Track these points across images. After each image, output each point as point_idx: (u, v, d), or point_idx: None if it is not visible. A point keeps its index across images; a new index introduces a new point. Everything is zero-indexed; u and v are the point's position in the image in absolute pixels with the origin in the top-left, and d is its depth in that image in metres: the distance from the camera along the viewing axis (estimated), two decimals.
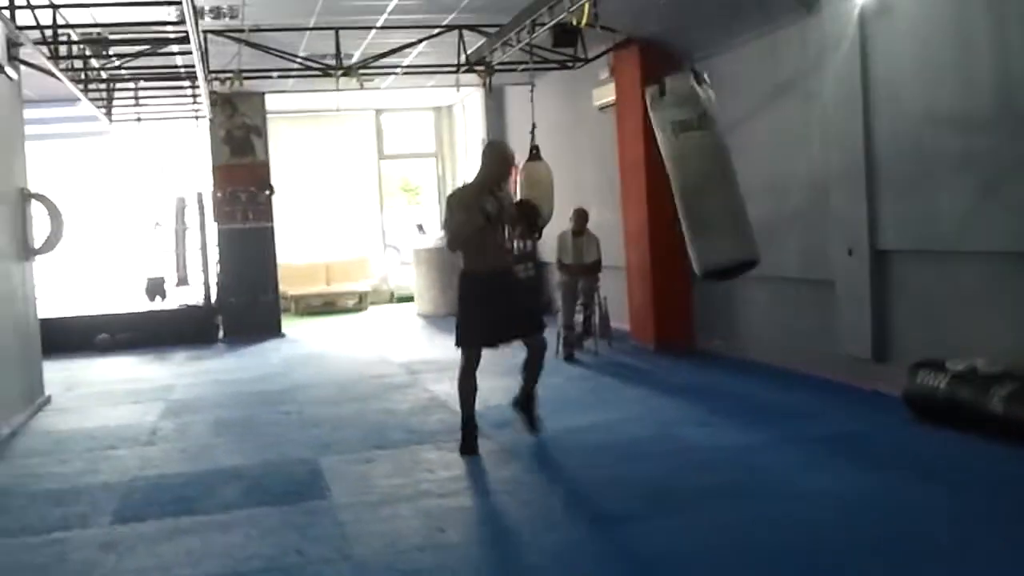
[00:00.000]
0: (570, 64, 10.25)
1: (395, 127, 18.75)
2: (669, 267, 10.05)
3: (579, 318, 10.29)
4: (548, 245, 11.23)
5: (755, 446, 6.19)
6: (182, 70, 10.47)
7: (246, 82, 10.27)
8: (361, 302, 17.20)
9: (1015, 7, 5.90)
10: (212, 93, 12.03)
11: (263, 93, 13.17)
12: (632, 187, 10.28)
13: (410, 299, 17.45)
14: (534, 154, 9.25)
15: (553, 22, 7.80)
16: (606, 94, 11.07)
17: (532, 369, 6.59)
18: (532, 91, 8.64)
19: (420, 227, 16.88)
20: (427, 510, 5.34)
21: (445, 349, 11.48)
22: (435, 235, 17.08)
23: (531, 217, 6.99)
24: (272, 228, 13.74)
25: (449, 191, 18.24)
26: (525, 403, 6.73)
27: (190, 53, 9.03)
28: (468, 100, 17.28)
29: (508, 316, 6.39)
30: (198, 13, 7.10)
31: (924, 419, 6.29)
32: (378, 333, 13.85)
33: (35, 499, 5.88)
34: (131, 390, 9.74)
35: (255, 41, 9.44)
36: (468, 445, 6.41)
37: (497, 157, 6.39)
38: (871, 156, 7.19)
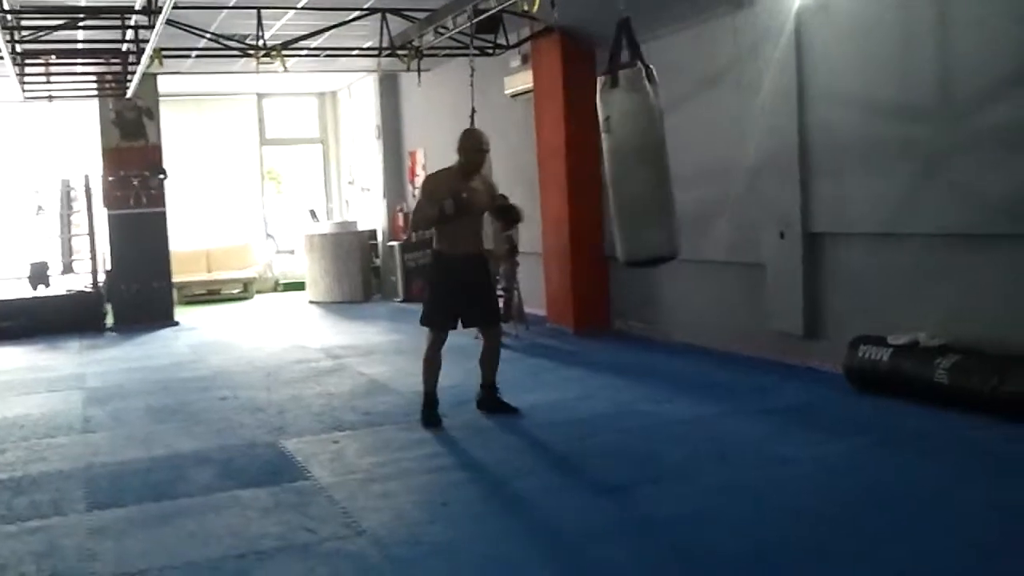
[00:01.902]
0: (490, 51, 10.33)
1: (278, 112, 18.40)
2: (588, 252, 10.29)
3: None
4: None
5: (713, 419, 6.45)
6: (84, 46, 10.07)
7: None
8: (246, 290, 16.84)
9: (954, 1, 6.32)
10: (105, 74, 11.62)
11: (155, 74, 12.73)
12: (551, 174, 10.44)
13: (297, 287, 17.22)
14: None
15: (499, 8, 7.86)
16: (519, 82, 11.20)
17: (492, 360, 6.84)
18: (472, 76, 8.66)
19: (312, 213, 16.64)
20: (419, 486, 5.38)
21: (359, 335, 11.51)
22: (328, 221, 16.91)
23: (509, 213, 7.16)
24: (164, 213, 13.31)
25: (337, 177, 18.28)
26: (490, 396, 6.89)
27: (105, 28, 8.74)
28: (356, 87, 17.13)
29: (472, 302, 6.61)
30: None
31: (865, 391, 6.68)
32: (276, 320, 13.63)
33: None
34: (39, 379, 9.34)
35: (172, 19, 9.13)
36: (432, 418, 6.60)
37: (474, 145, 6.54)
38: (804, 143, 7.55)
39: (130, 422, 7.30)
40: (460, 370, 8.73)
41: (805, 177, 7.58)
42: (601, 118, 5.55)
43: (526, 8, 7.37)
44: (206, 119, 17.68)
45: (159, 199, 13.19)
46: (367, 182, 16.87)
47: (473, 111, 8.74)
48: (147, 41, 7.83)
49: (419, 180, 15.20)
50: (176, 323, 13.31)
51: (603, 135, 5.57)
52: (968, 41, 6.27)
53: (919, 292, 6.79)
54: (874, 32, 6.91)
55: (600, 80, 5.56)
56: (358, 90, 17.10)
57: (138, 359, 10.42)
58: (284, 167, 19.17)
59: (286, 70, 10.17)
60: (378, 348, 10.36)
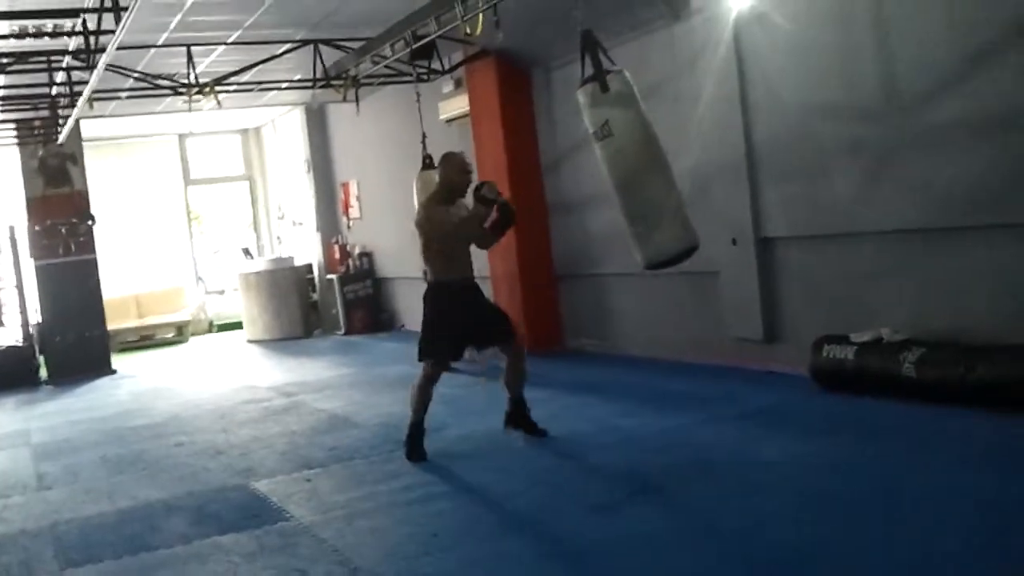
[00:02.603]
0: (425, 77, 10.29)
1: (201, 151, 18.10)
2: (536, 272, 10.28)
3: None
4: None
5: (688, 428, 6.45)
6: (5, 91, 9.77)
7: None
8: (181, 333, 16.47)
9: (894, 5, 6.46)
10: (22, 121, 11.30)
11: (78, 119, 12.41)
12: None
13: (233, 327, 16.91)
14: (427, 163, 9.22)
15: (439, 32, 7.83)
16: (454, 107, 11.17)
17: (517, 374, 6.50)
18: (419, 101, 8.61)
19: (246, 251, 16.37)
20: (405, 518, 5.29)
21: (307, 371, 11.33)
22: (263, 258, 16.64)
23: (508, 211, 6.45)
24: (95, 260, 12.96)
25: (266, 213, 18.01)
26: (519, 413, 6.55)
27: (30, 72, 8.51)
28: (280, 121, 16.95)
29: (479, 325, 6.39)
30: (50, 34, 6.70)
31: (832, 390, 6.75)
32: (217, 362, 13.35)
33: None
34: None
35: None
36: (418, 450, 6.37)
37: (458, 167, 6.34)
38: (752, 151, 7.64)
39: (87, 476, 7.05)
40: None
41: (754, 183, 7.67)
42: (594, 127, 5.52)
43: (468, 32, 7.32)
44: (128, 162, 17.32)
45: (89, 246, 12.85)
46: (299, 216, 16.66)
47: (424, 136, 8.69)
48: (82, 83, 7.60)
49: (353, 211, 15.11)
50: (114, 371, 12.94)
51: (598, 144, 5.54)
52: (907, 43, 6.41)
53: (877, 289, 6.90)
54: (813, 38, 7.03)
55: (585, 91, 5.54)
56: (283, 124, 16.91)
57: (81, 410, 10.10)
58: (210, 206, 18.83)
59: (219, 105, 9.98)
60: (330, 383, 10.18)
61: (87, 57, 6.22)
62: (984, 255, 6.22)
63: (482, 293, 6.65)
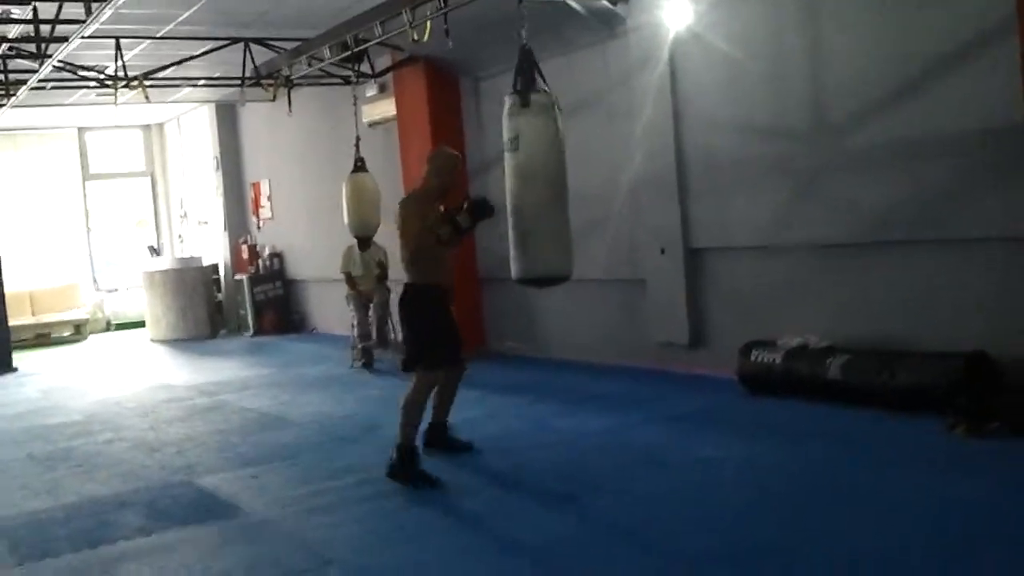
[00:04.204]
0: (353, 80, 10.35)
1: (101, 146, 17.67)
2: (460, 275, 10.40)
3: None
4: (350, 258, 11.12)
5: (624, 428, 6.71)
6: None
7: None
8: (79, 332, 16.06)
9: (825, 28, 6.86)
10: None
11: None
12: None
13: (131, 326, 16.57)
14: (359, 166, 9.28)
15: (382, 37, 7.93)
16: (379, 110, 11.26)
17: (450, 397, 6.31)
18: (356, 103, 8.68)
19: (153, 249, 16.06)
20: (366, 514, 5.34)
21: (222, 371, 11.23)
22: (169, 257, 16.35)
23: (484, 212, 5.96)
24: None
25: (167, 211, 17.68)
26: (443, 435, 6.33)
27: None
28: (186, 118, 16.71)
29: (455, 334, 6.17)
30: None
31: (759, 393, 7.11)
32: (124, 361, 13.08)
33: None
34: None
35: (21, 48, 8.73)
36: (418, 473, 5.72)
37: (451, 165, 6.11)
38: (682, 164, 7.98)
39: (18, 472, 6.91)
40: (352, 397, 8.77)
41: (684, 196, 8.01)
42: (507, 137, 5.64)
43: (415, 38, 7.45)
44: (23, 155, 16.79)
45: None
46: (204, 215, 16.43)
47: (358, 139, 8.76)
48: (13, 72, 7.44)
49: (264, 211, 15.00)
50: (15, 369, 12.58)
51: (507, 154, 5.65)
52: (838, 68, 6.83)
53: (800, 299, 7.30)
54: (747, 60, 7.39)
55: (508, 100, 5.68)
56: (188, 121, 16.68)
57: None
58: (108, 203, 18.35)
59: (148, 100, 9.85)
60: (250, 383, 10.13)
61: (37, 47, 6.11)
62: (900, 269, 6.66)
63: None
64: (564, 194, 5.72)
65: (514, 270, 5.75)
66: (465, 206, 5.78)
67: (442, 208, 5.99)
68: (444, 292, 6.05)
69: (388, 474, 5.77)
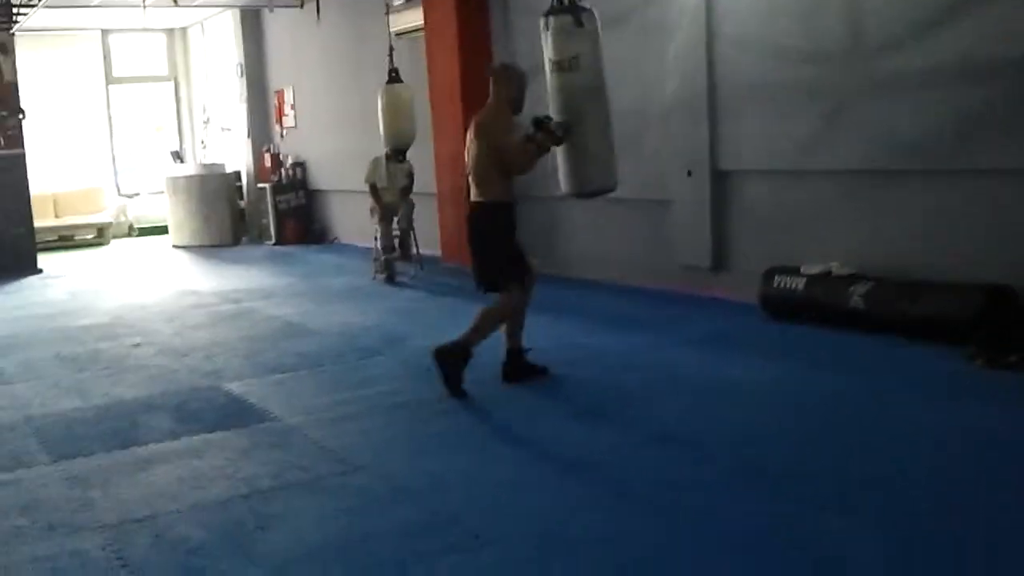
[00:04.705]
0: None
1: (124, 49, 17.56)
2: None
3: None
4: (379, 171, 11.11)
5: (647, 348, 6.75)
6: None
7: None
8: (101, 235, 16.18)
9: None
10: None
11: (10, 4, 11.96)
12: (446, 114, 10.48)
13: (154, 232, 16.67)
14: (393, 76, 9.22)
15: None
16: (405, 20, 11.13)
17: (523, 316, 6.05)
18: (387, 14, 8.57)
19: (175, 154, 16.07)
20: (394, 421, 5.47)
21: (247, 278, 11.33)
22: (193, 163, 16.36)
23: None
24: (23, 155, 12.66)
25: (190, 117, 17.62)
26: (522, 361, 6.04)
27: None
28: (210, 23, 16.56)
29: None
30: None
31: (780, 318, 7.14)
32: (147, 265, 13.21)
33: None
34: None
35: None
36: (456, 377, 5.71)
37: (519, 79, 5.84)
38: (713, 85, 7.90)
39: (48, 372, 7.04)
40: (374, 309, 8.85)
41: (713, 118, 7.94)
42: (559, 57, 5.62)
43: None
44: (45, 56, 16.69)
45: (17, 140, 12.52)
46: (227, 122, 16.39)
47: (391, 49, 8.67)
48: None
49: (287, 120, 14.94)
50: (40, 271, 12.73)
51: (560, 74, 5.65)
52: None
53: (824, 226, 7.28)
54: None
55: (555, 20, 5.63)
56: (212, 27, 16.54)
57: (19, 308, 9.98)
58: (131, 107, 18.30)
59: (176, 3, 9.76)
60: (275, 291, 10.24)
61: None
62: (928, 198, 6.62)
63: None
64: (609, 111, 5.83)
65: (570, 184, 5.88)
66: (546, 120, 5.64)
67: None
68: (513, 208, 5.97)
69: (439, 364, 5.70)
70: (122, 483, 4.66)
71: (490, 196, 5.83)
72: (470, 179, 5.94)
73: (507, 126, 5.76)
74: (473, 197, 5.94)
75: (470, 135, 5.90)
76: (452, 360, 5.71)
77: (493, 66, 6.16)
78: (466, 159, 5.98)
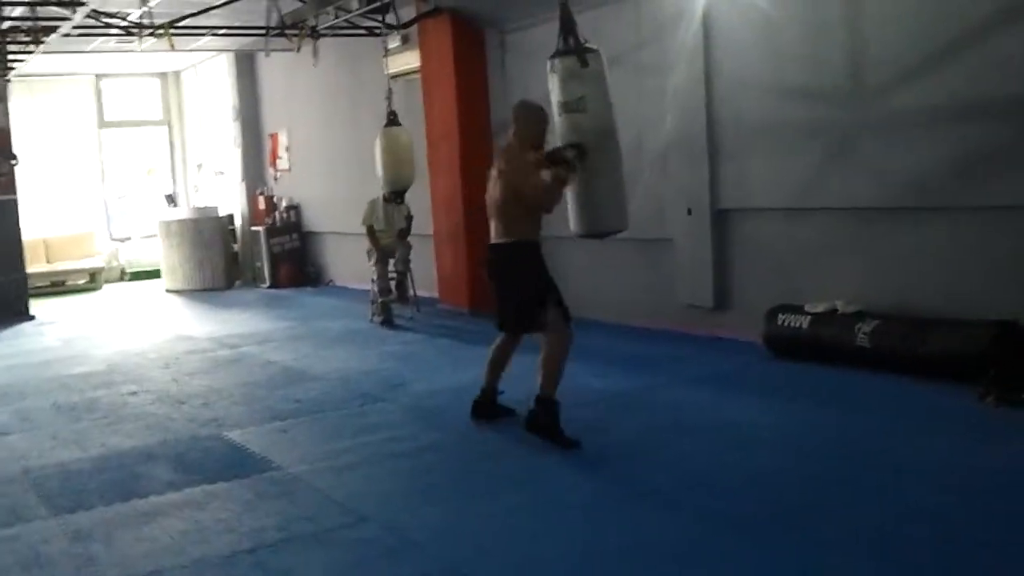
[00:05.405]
0: (379, 31, 10.24)
1: (117, 94, 17.56)
2: (482, 232, 10.33)
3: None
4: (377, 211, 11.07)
5: (651, 390, 6.71)
6: None
7: None
8: (94, 280, 16.07)
9: None
10: None
11: (5, 52, 11.92)
12: (443, 155, 10.46)
13: (146, 276, 16.58)
14: (392, 119, 9.20)
15: None
16: (402, 62, 11.13)
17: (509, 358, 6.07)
18: (386, 56, 8.57)
19: (170, 198, 16.02)
20: (398, 470, 5.39)
21: (242, 323, 11.23)
22: (187, 206, 16.31)
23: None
24: (15, 201, 12.60)
25: (183, 161, 17.59)
26: (493, 400, 6.09)
27: None
28: (204, 67, 16.57)
29: None
30: None
31: (784, 357, 7.08)
32: (141, 311, 13.09)
33: None
34: None
35: None
36: (559, 428, 5.53)
37: (537, 116, 5.80)
38: (712, 124, 7.89)
39: (44, 422, 6.92)
40: (373, 353, 8.76)
41: (713, 156, 7.93)
42: (567, 99, 5.58)
43: None
44: (38, 101, 16.67)
45: (10, 186, 12.46)
46: (221, 165, 16.37)
47: (390, 91, 8.65)
48: (39, 19, 7.36)
49: (281, 162, 14.92)
50: (32, 317, 12.61)
51: (568, 115, 5.60)
52: (875, 29, 6.72)
53: (828, 264, 7.25)
54: (782, 19, 7.28)
55: (562, 62, 5.62)
56: (206, 70, 16.55)
57: (12, 356, 9.85)
58: (124, 151, 18.26)
59: (173, 48, 9.75)
60: (271, 336, 10.14)
61: None
62: (932, 235, 6.61)
63: None
64: (619, 152, 5.80)
65: (580, 224, 5.81)
66: (560, 151, 5.58)
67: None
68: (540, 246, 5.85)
69: (529, 427, 5.59)
70: (124, 537, 4.55)
71: (519, 236, 5.72)
72: (495, 220, 5.83)
73: (528, 168, 5.64)
74: (499, 238, 5.81)
75: (492, 176, 5.81)
76: (546, 422, 5.53)
77: (514, 105, 6.08)
78: (488, 200, 5.89)
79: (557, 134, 5.71)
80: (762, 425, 5.69)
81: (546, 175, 5.59)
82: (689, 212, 8.15)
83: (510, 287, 5.83)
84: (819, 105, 7.14)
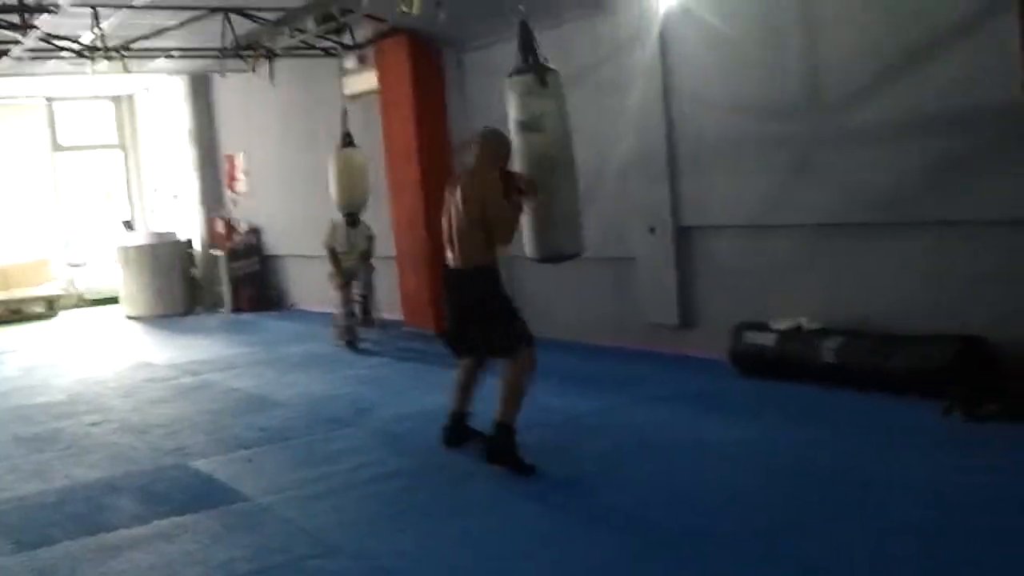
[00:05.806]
0: (334, 52, 10.20)
1: (70, 117, 17.35)
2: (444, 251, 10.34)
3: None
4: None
5: (617, 409, 6.71)
6: None
7: None
8: (51, 307, 15.81)
9: (820, 3, 6.80)
10: None
11: None
12: (404, 175, 10.44)
13: (104, 302, 16.34)
14: (347, 140, 9.16)
15: (368, 8, 7.77)
16: (359, 83, 11.11)
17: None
18: (342, 76, 8.52)
19: (128, 224, 15.82)
20: (367, 497, 5.32)
21: (204, 349, 11.10)
22: (145, 231, 16.12)
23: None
24: None
25: (138, 184, 17.40)
26: (464, 424, 6.04)
27: None
28: (157, 89, 16.41)
29: None
30: None
31: (751, 375, 7.11)
32: (101, 338, 12.90)
33: None
34: None
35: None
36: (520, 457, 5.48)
37: (507, 144, 5.68)
38: (672, 142, 7.93)
39: (5, 454, 6.82)
40: (338, 377, 8.70)
41: (674, 174, 7.97)
42: (524, 118, 5.57)
43: (404, 9, 7.32)
44: None
45: None
46: (177, 189, 16.20)
47: (344, 111, 8.60)
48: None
49: (239, 184, 14.80)
50: None
51: (525, 134, 5.59)
52: (832, 45, 6.79)
53: (793, 280, 7.28)
54: (739, 36, 7.34)
55: (520, 81, 5.62)
56: (160, 92, 16.39)
57: None
58: (78, 175, 18.03)
59: (126, 71, 9.65)
60: (234, 362, 10.02)
61: (20, 16, 5.94)
62: (895, 251, 6.66)
63: None
64: (575, 173, 5.76)
65: (536, 249, 5.74)
66: (523, 183, 5.55)
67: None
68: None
69: (490, 458, 5.51)
70: (91, 573, 4.50)
71: (481, 262, 5.61)
72: (454, 245, 5.70)
73: (499, 196, 5.51)
74: (459, 264, 5.67)
75: (455, 201, 5.64)
76: (505, 453, 5.47)
77: (480, 131, 6.01)
78: (446, 224, 5.75)
79: (515, 153, 5.68)
80: (730, 443, 5.70)
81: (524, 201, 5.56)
82: (652, 231, 8.18)
83: (475, 314, 5.72)
84: (779, 121, 7.20)
